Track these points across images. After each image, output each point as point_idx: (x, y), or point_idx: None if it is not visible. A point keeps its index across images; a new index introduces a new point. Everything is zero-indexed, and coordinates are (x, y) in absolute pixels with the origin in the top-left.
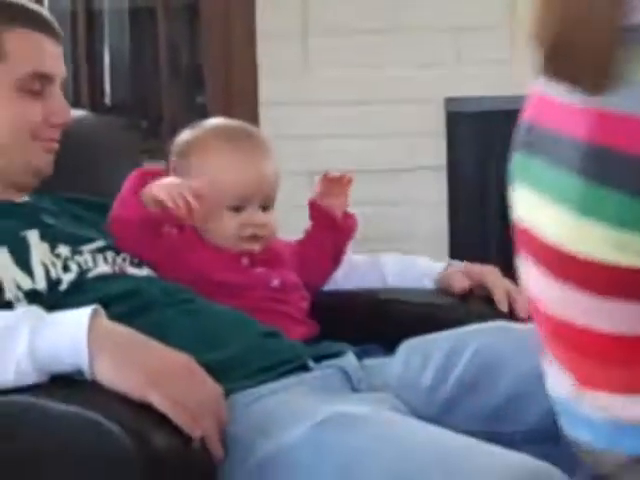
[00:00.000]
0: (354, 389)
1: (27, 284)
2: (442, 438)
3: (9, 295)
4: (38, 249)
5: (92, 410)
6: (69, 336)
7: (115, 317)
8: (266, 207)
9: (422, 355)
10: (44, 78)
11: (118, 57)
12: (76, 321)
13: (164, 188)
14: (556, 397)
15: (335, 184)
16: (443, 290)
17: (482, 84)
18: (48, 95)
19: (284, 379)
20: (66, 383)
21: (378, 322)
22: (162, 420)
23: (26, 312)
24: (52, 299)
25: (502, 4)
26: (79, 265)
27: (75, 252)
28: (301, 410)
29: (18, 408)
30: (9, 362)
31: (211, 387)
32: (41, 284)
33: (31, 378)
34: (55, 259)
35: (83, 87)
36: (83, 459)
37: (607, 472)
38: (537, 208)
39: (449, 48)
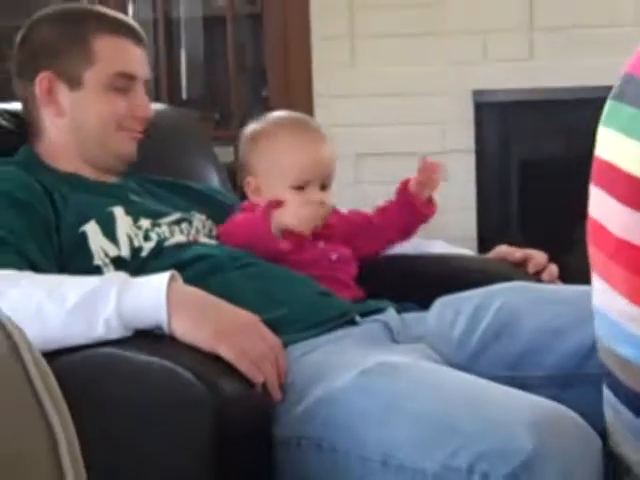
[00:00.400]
0: (394, 340)
1: (113, 252)
2: (472, 383)
3: (98, 262)
4: (123, 222)
5: (169, 360)
6: (151, 297)
7: (188, 279)
8: (324, 186)
9: (453, 310)
10: (128, 77)
11: (193, 58)
12: (156, 284)
13: (294, 215)
14: (604, 314)
15: (430, 170)
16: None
17: (504, 78)
18: (132, 92)
19: (334, 332)
20: (146, 338)
21: (414, 282)
22: (229, 369)
23: (113, 276)
24: (135, 265)
25: (521, 10)
26: (158, 235)
27: (155, 224)
28: (349, 360)
29: (104, 359)
30: (99, 319)
31: (271, 339)
32: (125, 252)
33: (117, 333)
34: (137, 230)
35: (163, 84)
36: (162, 403)
37: None
38: (622, 147)
39: (476, 48)
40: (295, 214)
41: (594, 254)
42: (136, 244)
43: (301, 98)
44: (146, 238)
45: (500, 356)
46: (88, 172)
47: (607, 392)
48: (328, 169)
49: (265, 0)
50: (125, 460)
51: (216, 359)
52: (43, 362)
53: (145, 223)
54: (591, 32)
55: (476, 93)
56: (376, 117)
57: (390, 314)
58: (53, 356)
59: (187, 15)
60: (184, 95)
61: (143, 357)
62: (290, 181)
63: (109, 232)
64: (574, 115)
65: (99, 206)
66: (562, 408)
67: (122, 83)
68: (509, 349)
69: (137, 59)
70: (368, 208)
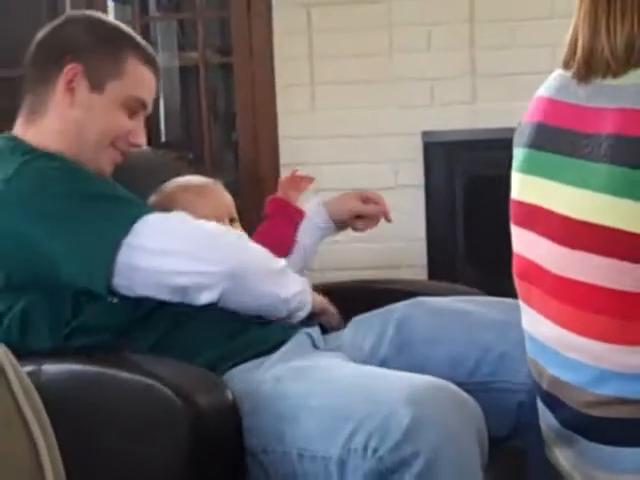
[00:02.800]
0: (315, 347)
1: None
2: (366, 373)
3: None
4: None
5: (149, 377)
6: None
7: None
8: (232, 221)
9: (364, 327)
10: (141, 104)
11: (171, 104)
12: None
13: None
14: (541, 342)
15: (299, 180)
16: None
17: (449, 120)
18: (137, 118)
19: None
20: (127, 355)
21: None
22: (205, 384)
23: None
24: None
25: (464, 60)
26: None
27: None
28: (270, 371)
29: (89, 376)
30: None
31: None
32: None
33: None
34: None
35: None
36: (143, 417)
37: (587, 410)
38: (552, 192)
39: (424, 93)
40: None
41: (526, 288)
42: None
43: (267, 140)
44: None
45: (402, 366)
46: None
47: (539, 403)
48: (231, 210)
49: (235, 51)
50: (107, 468)
51: (190, 374)
52: (26, 379)
53: None
54: (529, 78)
55: (425, 134)
56: (335, 156)
57: (315, 329)
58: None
59: (165, 65)
60: (163, 138)
61: (125, 374)
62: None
63: None
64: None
65: None
66: (440, 381)
67: (135, 106)
68: (408, 360)
69: (153, 90)
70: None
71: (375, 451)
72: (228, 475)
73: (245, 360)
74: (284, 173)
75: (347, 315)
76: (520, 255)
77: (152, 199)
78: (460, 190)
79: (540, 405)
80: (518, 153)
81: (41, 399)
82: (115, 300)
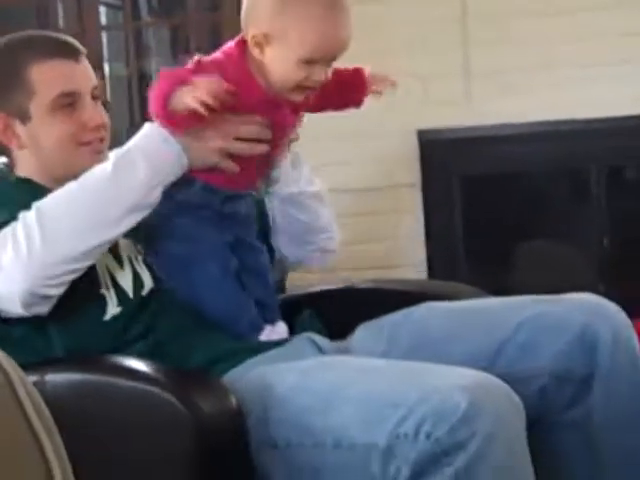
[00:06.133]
0: (322, 352)
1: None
2: (404, 364)
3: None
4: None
5: (151, 384)
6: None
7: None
8: (330, 63)
9: (375, 330)
10: (72, 95)
11: None
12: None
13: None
14: None
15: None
16: None
17: (444, 118)
18: (80, 107)
19: (266, 353)
20: (129, 362)
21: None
22: (206, 388)
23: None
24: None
25: (458, 57)
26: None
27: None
28: (287, 366)
29: (91, 385)
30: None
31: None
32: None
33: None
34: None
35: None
36: (147, 424)
37: None
38: None
39: (418, 91)
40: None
41: None
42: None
43: None
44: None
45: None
46: None
47: None
48: (344, 50)
49: None
50: (112, 476)
51: (193, 380)
52: (35, 392)
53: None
54: (523, 75)
55: (420, 133)
56: (329, 157)
57: (316, 335)
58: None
59: (158, 69)
60: None
61: (128, 383)
62: (303, 54)
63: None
64: (508, 148)
65: None
66: (486, 374)
67: (67, 101)
68: (428, 359)
69: (76, 74)
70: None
71: (429, 435)
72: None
73: (242, 360)
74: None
75: (353, 320)
76: None
77: None
78: (457, 187)
79: None
80: None
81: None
82: None
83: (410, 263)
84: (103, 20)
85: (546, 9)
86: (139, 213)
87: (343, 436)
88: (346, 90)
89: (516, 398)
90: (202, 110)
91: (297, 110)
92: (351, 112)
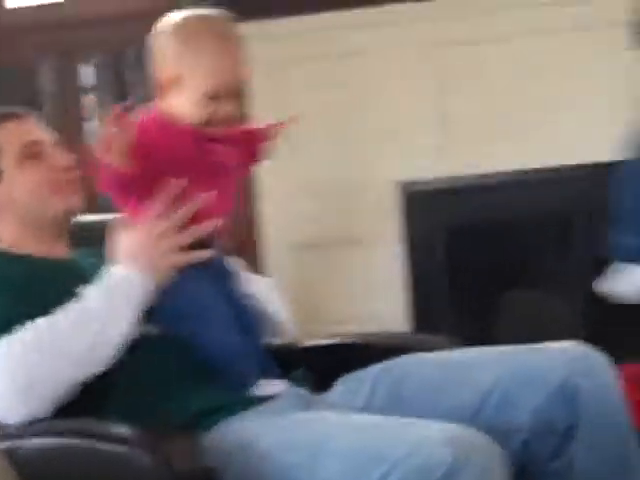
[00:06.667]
0: (308, 407)
1: None
2: (384, 419)
3: None
4: None
5: (124, 445)
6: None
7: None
8: (236, 97)
9: (355, 383)
10: (35, 144)
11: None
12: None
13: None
14: None
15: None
16: None
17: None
18: (46, 155)
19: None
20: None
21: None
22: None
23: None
24: None
25: (432, 112)
26: None
27: None
28: (268, 423)
29: (63, 450)
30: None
31: None
32: None
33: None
34: None
35: None
36: None
37: None
38: None
39: (398, 144)
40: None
41: None
42: None
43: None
44: None
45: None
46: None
47: None
48: (243, 80)
49: None
50: None
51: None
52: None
53: None
54: (501, 120)
55: (399, 185)
56: (309, 209)
57: (302, 390)
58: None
59: None
60: None
61: (102, 446)
62: (206, 89)
63: None
64: (489, 196)
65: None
66: (469, 428)
67: (32, 150)
68: (407, 414)
69: (33, 128)
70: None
71: None
72: None
73: (231, 414)
74: (264, 228)
75: (335, 373)
76: None
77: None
78: (440, 239)
79: None
80: None
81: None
82: None
83: (394, 315)
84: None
85: (514, 54)
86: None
87: None
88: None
89: (499, 451)
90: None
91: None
92: (331, 166)
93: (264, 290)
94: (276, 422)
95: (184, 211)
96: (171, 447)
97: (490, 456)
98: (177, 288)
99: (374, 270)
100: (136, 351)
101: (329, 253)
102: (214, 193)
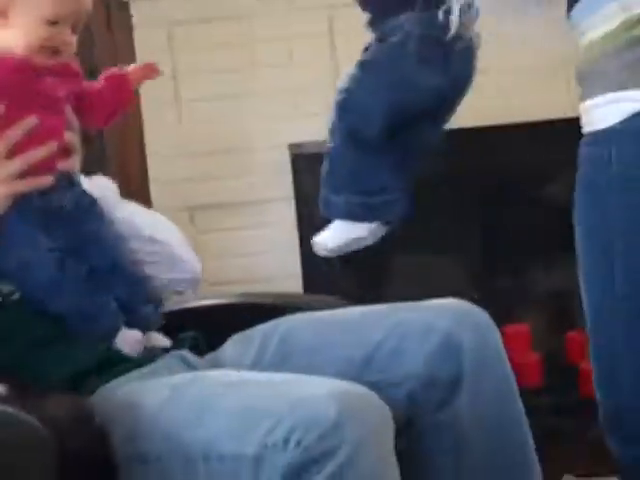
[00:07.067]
0: (193, 368)
1: None
2: (271, 375)
3: None
4: None
5: (9, 404)
6: None
7: None
8: (74, 29)
9: (243, 343)
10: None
11: None
12: None
13: None
14: None
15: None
16: None
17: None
18: None
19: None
20: None
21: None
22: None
23: None
24: None
25: (324, 74)
26: None
27: None
28: (156, 382)
29: None
30: None
31: None
32: None
33: None
34: None
35: None
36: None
37: None
38: None
39: (288, 105)
40: None
41: None
42: None
43: (135, 156)
44: None
45: None
46: None
47: None
48: (85, 9)
49: (100, 71)
50: None
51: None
52: None
53: None
54: None
55: (291, 146)
56: (203, 172)
57: (185, 351)
58: None
59: None
60: None
61: None
62: (48, 13)
63: None
64: None
65: None
66: (354, 383)
67: None
68: (295, 371)
69: None
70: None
71: (298, 443)
72: None
73: (107, 380)
74: (154, 189)
75: (226, 334)
76: None
77: None
78: None
79: None
80: None
81: None
82: None
83: (285, 276)
84: None
85: None
86: None
87: (212, 448)
88: (117, 90)
89: (384, 406)
90: None
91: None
92: (220, 127)
93: (149, 220)
94: (161, 382)
95: (7, 135)
96: (55, 406)
97: (375, 411)
98: (8, 243)
99: (267, 231)
100: (21, 303)
101: (221, 214)
102: (38, 119)
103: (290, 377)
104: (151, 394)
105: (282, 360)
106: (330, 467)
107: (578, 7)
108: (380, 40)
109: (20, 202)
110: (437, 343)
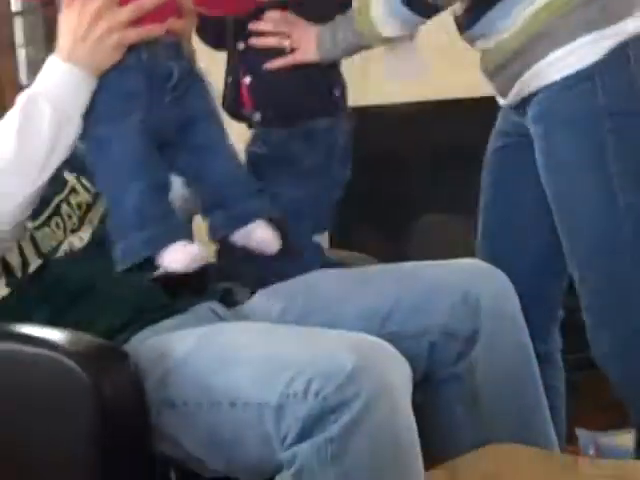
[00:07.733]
0: (222, 320)
1: None
2: (296, 328)
3: None
4: None
5: (55, 351)
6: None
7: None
8: None
9: (269, 296)
10: None
11: None
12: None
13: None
14: None
15: None
16: None
17: None
18: None
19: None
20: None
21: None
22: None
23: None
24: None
25: None
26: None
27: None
28: (185, 333)
29: None
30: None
31: None
32: None
33: None
34: None
35: None
36: (48, 391)
37: None
38: None
39: None
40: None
41: None
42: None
43: None
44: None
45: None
46: None
47: None
48: None
49: None
50: (17, 440)
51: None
52: None
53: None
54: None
55: None
56: None
57: (215, 303)
58: None
59: None
60: None
61: (29, 349)
62: None
63: None
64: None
65: None
66: (373, 337)
67: None
68: (320, 323)
69: None
70: None
71: (317, 393)
72: (134, 445)
73: (142, 328)
74: None
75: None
76: None
77: None
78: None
79: None
80: None
81: None
82: None
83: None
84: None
85: None
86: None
87: (238, 396)
88: None
89: (402, 359)
90: None
91: None
92: None
93: None
94: (189, 331)
95: None
96: (95, 355)
97: (392, 364)
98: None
99: None
100: (61, 262)
101: None
102: None
103: (312, 330)
104: (179, 343)
105: (307, 313)
106: (346, 417)
107: (490, 15)
108: None
109: (129, 58)
110: (456, 299)
